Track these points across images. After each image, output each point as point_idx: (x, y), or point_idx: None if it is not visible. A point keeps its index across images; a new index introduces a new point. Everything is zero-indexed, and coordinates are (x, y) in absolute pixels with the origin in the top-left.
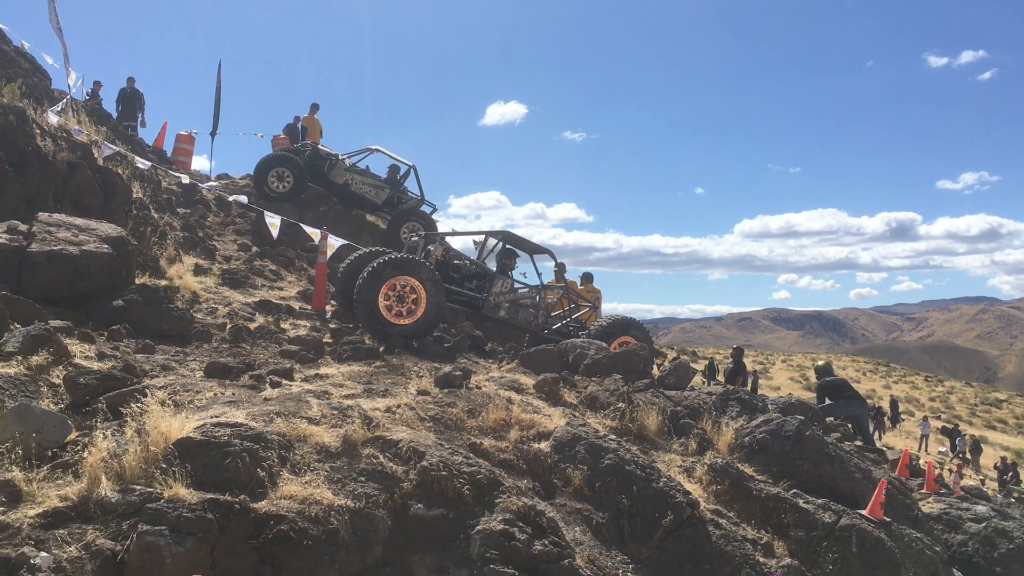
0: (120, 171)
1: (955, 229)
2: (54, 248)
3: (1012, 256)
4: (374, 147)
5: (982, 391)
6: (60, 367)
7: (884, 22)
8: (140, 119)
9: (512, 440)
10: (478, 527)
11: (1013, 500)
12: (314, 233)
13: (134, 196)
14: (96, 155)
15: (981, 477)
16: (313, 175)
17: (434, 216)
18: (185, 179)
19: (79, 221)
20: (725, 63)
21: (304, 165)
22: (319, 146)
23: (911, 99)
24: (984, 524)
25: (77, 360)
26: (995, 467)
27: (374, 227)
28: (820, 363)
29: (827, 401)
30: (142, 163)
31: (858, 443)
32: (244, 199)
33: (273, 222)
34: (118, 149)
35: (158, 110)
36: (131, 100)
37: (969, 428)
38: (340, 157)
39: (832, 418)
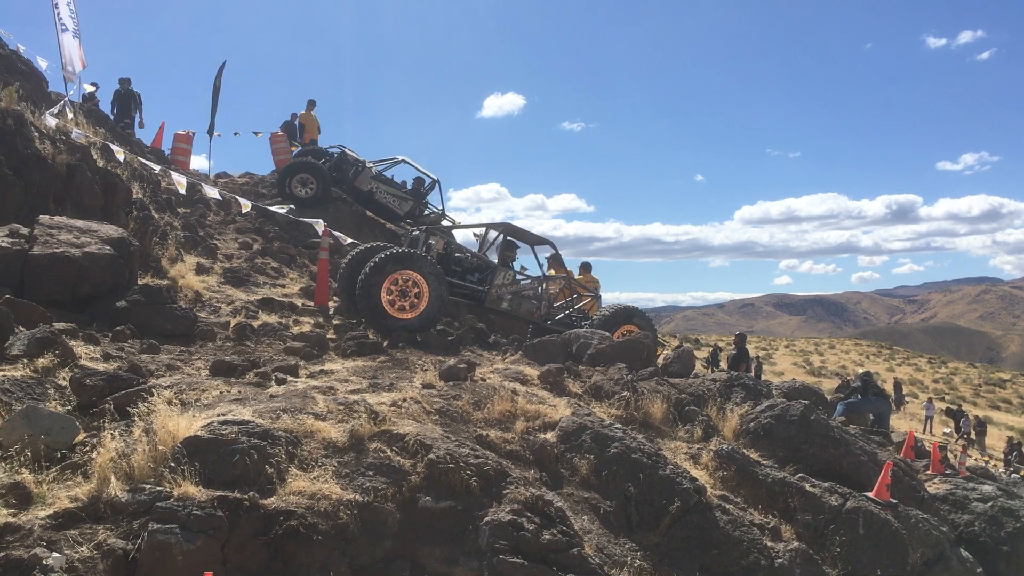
0: (120, 172)
1: (956, 210)
2: (56, 251)
3: (1013, 236)
4: (401, 157)
5: (985, 372)
6: (66, 369)
7: (882, 4)
8: (138, 120)
9: (518, 431)
10: (487, 518)
11: (1019, 478)
12: (318, 225)
13: (134, 197)
14: (96, 157)
15: (987, 457)
16: (337, 180)
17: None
18: (182, 184)
19: (80, 223)
20: (723, 48)
21: (329, 170)
22: (346, 150)
23: (910, 81)
24: (990, 503)
25: (83, 362)
26: (1004, 454)
27: (374, 223)
28: (861, 371)
29: (858, 397)
30: (154, 165)
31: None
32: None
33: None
34: (124, 153)
35: (154, 110)
36: (126, 101)
37: (973, 409)
38: (367, 165)
39: (861, 413)
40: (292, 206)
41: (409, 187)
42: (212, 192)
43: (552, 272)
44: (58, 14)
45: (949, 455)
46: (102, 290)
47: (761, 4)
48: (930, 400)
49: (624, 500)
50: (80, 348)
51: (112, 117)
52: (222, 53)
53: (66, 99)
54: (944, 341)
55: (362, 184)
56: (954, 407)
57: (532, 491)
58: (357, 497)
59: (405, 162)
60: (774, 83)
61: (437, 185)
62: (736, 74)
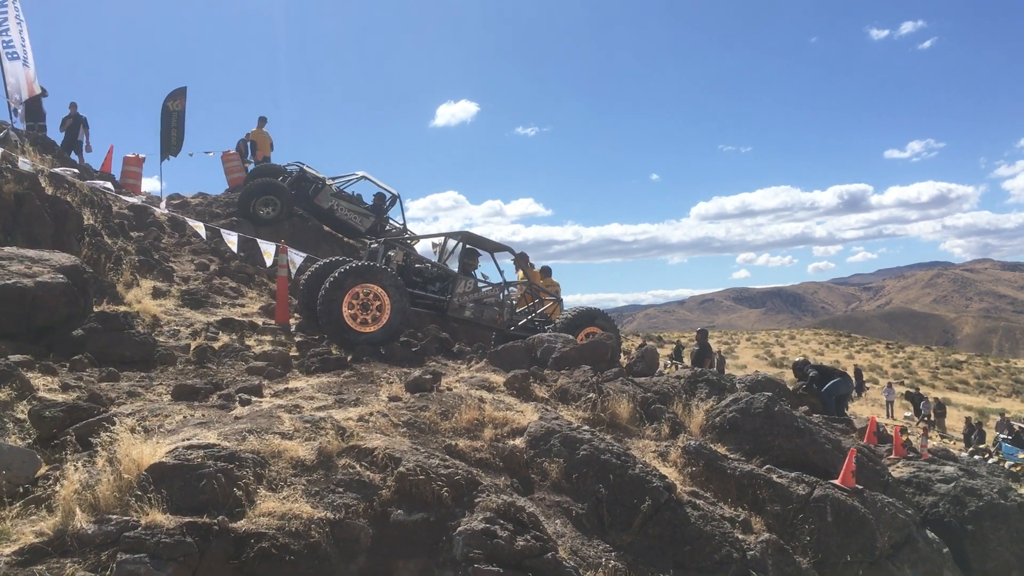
0: (69, 199)
1: (906, 197)
2: (7, 282)
3: (962, 220)
4: (361, 173)
5: (942, 354)
6: (24, 402)
7: None
8: (85, 144)
9: (487, 439)
10: (460, 528)
11: (978, 459)
12: (267, 254)
13: (85, 223)
14: (44, 184)
15: (947, 439)
16: (296, 198)
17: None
18: (146, 202)
19: (31, 252)
20: (671, 47)
21: (288, 188)
22: (305, 167)
23: (856, 72)
24: (953, 484)
25: (41, 393)
26: (963, 434)
27: (333, 238)
28: (797, 359)
29: (824, 383)
30: (107, 185)
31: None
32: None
33: (231, 239)
34: (76, 180)
35: (101, 134)
36: (74, 128)
37: (932, 391)
38: (327, 182)
39: (836, 396)
40: (239, 235)
41: (368, 202)
42: (165, 214)
43: (520, 274)
44: (7, 42)
45: (911, 438)
46: (57, 319)
47: (707, 2)
48: (890, 385)
49: (596, 501)
50: (37, 380)
51: (61, 144)
52: (168, 74)
53: (9, 127)
54: (900, 326)
55: (322, 201)
56: (913, 391)
57: (504, 498)
58: (328, 515)
59: (365, 178)
60: (724, 80)
61: (398, 200)
62: (686, 72)
